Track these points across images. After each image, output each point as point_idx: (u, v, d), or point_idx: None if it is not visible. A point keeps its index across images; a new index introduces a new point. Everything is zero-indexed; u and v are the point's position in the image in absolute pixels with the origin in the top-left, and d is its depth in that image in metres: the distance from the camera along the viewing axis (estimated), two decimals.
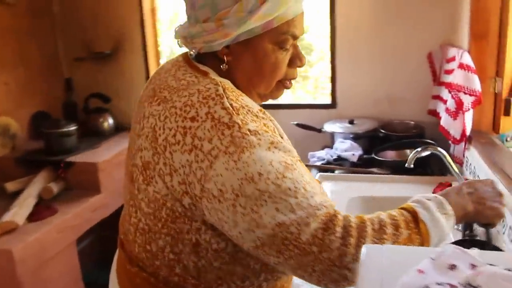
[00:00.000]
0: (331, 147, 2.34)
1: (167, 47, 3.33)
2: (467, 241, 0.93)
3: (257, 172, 0.78)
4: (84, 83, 2.97)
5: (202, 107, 0.84)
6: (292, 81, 1.01)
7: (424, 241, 0.82)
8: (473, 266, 0.65)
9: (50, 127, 2.50)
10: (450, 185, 1.75)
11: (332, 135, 2.35)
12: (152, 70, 2.86)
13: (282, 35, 0.91)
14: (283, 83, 0.99)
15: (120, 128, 2.86)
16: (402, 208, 0.87)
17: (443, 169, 2.04)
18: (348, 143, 2.18)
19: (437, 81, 2.28)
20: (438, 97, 2.18)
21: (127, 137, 2.74)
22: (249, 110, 0.85)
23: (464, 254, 0.67)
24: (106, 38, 2.88)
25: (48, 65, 2.90)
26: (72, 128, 2.51)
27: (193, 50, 0.98)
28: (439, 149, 1.53)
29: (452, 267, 0.65)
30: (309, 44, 3.88)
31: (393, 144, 2.18)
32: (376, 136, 2.29)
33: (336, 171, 2.09)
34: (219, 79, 0.91)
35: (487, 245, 0.93)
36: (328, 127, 2.38)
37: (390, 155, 2.16)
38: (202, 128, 0.81)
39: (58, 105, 2.94)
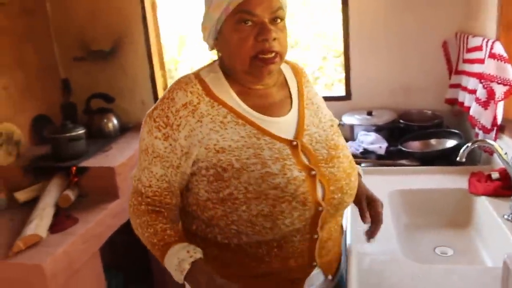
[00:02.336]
0: (350, 139, 2.33)
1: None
2: None
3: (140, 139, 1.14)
4: (83, 84, 2.85)
5: None
6: (274, 56, 1.06)
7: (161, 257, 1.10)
8: None
9: (57, 131, 2.38)
10: (489, 175, 1.77)
11: (351, 128, 2.34)
12: (156, 67, 2.77)
13: (237, 14, 1.04)
14: (259, 58, 1.06)
15: (125, 129, 2.77)
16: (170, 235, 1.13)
17: (470, 159, 2.05)
18: (373, 135, 2.17)
19: (453, 70, 2.30)
20: (458, 86, 2.20)
21: (136, 138, 2.67)
22: (170, 103, 1.08)
23: None
24: (105, 36, 2.77)
25: (45, 66, 2.78)
26: (81, 131, 2.40)
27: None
28: (489, 141, 1.54)
29: None
30: None
31: (416, 135, 2.19)
32: (396, 127, 2.30)
33: (363, 164, 2.09)
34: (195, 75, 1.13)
35: None
36: (347, 120, 2.37)
37: (414, 145, 2.17)
38: None
39: (56, 107, 2.82)
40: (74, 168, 2.34)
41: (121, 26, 2.73)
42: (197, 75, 1.13)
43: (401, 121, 2.31)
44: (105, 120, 2.73)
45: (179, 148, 1.07)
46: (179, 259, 1.06)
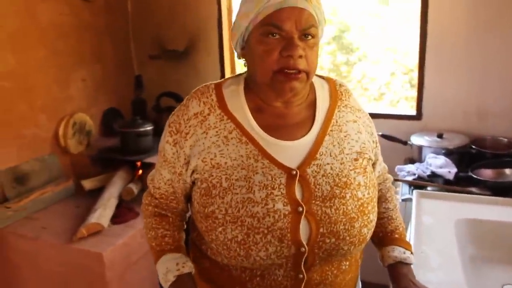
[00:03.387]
0: (418, 161, 2.26)
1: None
2: None
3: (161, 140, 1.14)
4: (155, 81, 2.94)
5: None
6: (298, 72, 0.99)
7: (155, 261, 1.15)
8: None
9: (126, 126, 2.47)
10: None
11: (419, 149, 2.26)
12: (227, 70, 2.81)
13: (264, 26, 0.99)
14: (282, 73, 0.99)
15: None
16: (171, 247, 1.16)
17: None
18: (443, 159, 2.08)
19: None
20: None
21: None
22: (184, 111, 1.07)
23: None
24: (180, 36, 2.84)
25: (121, 62, 2.89)
26: (149, 128, 2.48)
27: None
28: None
29: None
30: (350, 44, 3.79)
31: (489, 162, 2.08)
32: (467, 153, 2.19)
33: (429, 188, 2.01)
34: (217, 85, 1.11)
35: None
36: (416, 140, 2.29)
37: (486, 173, 2.06)
38: None
39: (128, 102, 2.92)
40: (140, 162, 2.42)
41: (197, 28, 2.79)
42: (218, 85, 1.09)
43: (473, 146, 2.20)
44: None
45: (183, 156, 1.06)
46: (167, 269, 1.10)
